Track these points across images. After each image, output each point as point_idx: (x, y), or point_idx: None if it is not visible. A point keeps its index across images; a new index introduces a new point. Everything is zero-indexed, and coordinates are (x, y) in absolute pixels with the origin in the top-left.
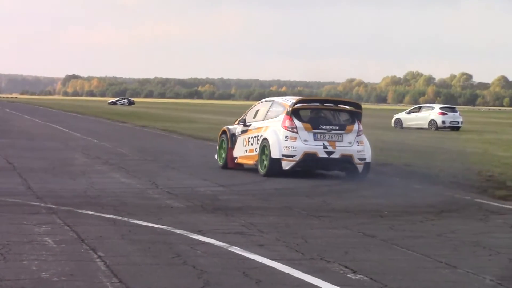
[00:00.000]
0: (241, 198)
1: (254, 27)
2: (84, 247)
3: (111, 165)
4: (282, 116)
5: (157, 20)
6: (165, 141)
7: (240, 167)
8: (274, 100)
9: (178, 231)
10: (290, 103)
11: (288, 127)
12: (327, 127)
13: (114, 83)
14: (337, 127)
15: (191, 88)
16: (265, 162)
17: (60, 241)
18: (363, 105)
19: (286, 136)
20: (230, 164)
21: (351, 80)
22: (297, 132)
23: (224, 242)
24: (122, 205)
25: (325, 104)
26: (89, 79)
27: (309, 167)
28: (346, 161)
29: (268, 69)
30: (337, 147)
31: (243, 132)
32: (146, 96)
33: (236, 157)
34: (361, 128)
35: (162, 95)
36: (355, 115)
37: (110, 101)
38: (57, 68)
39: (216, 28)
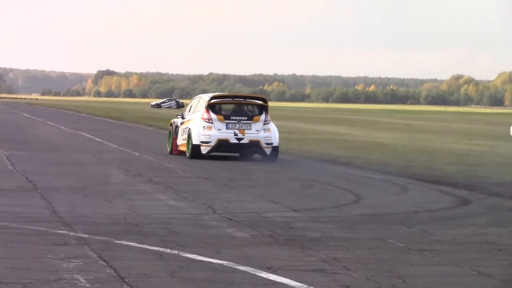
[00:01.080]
0: (321, 226)
1: (332, 11)
2: None
3: (156, 184)
4: (203, 110)
5: (210, 4)
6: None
7: (182, 153)
8: (201, 97)
9: (242, 268)
10: (207, 99)
11: (205, 119)
12: (237, 118)
13: (158, 80)
14: (246, 118)
15: (255, 87)
16: (189, 148)
17: (94, 279)
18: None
19: (203, 126)
20: (174, 151)
21: (458, 77)
22: (212, 123)
23: (301, 282)
24: (170, 234)
25: (235, 99)
26: (127, 75)
27: (223, 151)
28: (254, 146)
29: (351, 63)
30: (246, 134)
31: (181, 124)
32: None
33: (178, 145)
34: (268, 118)
35: None
36: (263, 107)
37: (153, 103)
38: (87, 63)
39: (284, 14)
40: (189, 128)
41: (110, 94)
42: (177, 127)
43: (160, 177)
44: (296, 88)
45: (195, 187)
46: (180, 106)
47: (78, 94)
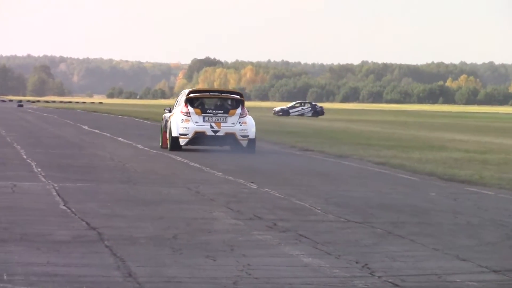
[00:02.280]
0: None
1: None
2: None
3: (283, 231)
4: (182, 104)
5: None
6: (382, 185)
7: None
8: (184, 92)
9: None
10: (186, 93)
11: (183, 112)
12: (214, 111)
13: (284, 74)
14: (222, 111)
15: (431, 83)
16: (169, 140)
17: None
18: None
19: (182, 119)
20: (164, 145)
21: None
22: (190, 116)
23: None
24: None
25: (211, 94)
26: (237, 66)
27: (200, 143)
28: (230, 138)
29: None
30: (222, 127)
31: (169, 118)
32: (346, 99)
33: (167, 139)
34: (245, 111)
35: (378, 96)
36: (239, 101)
37: (277, 108)
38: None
39: None
40: (170, 122)
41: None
42: (166, 121)
43: (289, 221)
44: (496, 83)
45: (342, 236)
46: (319, 112)
47: (163, 95)
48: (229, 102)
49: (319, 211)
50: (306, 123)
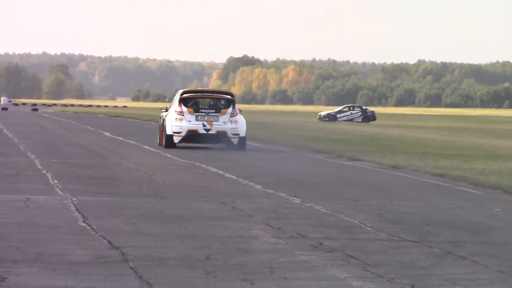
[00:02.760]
0: None
1: None
2: None
3: (330, 251)
4: (176, 103)
5: None
6: (440, 199)
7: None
8: (178, 92)
9: None
10: (180, 93)
11: (177, 111)
12: (206, 110)
13: (331, 74)
14: (214, 111)
15: (496, 85)
16: (164, 138)
17: None
18: None
19: (175, 118)
20: (161, 142)
21: None
22: (183, 115)
23: None
24: None
25: (204, 94)
26: (278, 65)
27: (193, 141)
28: (221, 136)
29: None
30: (213, 125)
31: (165, 117)
32: (400, 103)
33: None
34: (236, 111)
35: (437, 100)
36: (230, 101)
37: (323, 113)
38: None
39: None
40: (165, 120)
41: (250, 96)
42: (164, 120)
43: (337, 240)
44: None
45: (395, 257)
46: (370, 118)
47: None
48: (221, 102)
49: (370, 229)
50: (356, 130)
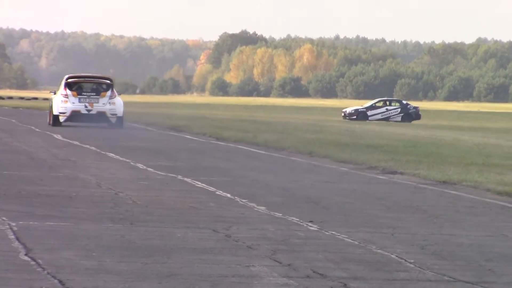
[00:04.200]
0: None
1: None
2: None
3: None
4: (62, 87)
5: None
6: (507, 226)
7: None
8: (64, 77)
9: None
10: (66, 78)
11: (63, 94)
12: (88, 93)
13: (361, 56)
14: (95, 94)
15: None
16: (51, 117)
17: None
18: None
19: (61, 100)
20: (49, 122)
21: None
22: (67, 97)
23: None
24: None
25: (86, 79)
26: (289, 44)
27: (77, 120)
28: (101, 116)
29: None
30: (94, 106)
31: (53, 99)
32: (453, 95)
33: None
34: (115, 93)
35: (503, 92)
36: (109, 86)
37: (349, 109)
38: (195, 19)
39: None
40: (52, 102)
41: (250, 86)
42: (51, 102)
43: (367, 281)
44: None
45: None
46: (412, 116)
47: (176, 88)
48: (102, 86)
49: (412, 265)
50: (393, 132)
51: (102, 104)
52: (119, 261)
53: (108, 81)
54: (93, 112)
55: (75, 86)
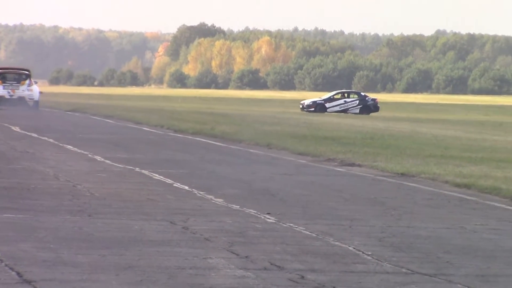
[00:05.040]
0: None
1: None
2: None
3: (315, 287)
4: None
5: None
6: (465, 218)
7: None
8: None
9: None
10: None
11: None
12: (10, 82)
13: (320, 48)
14: (16, 82)
15: None
16: None
17: None
18: None
19: None
20: None
21: None
22: None
23: None
24: None
25: (9, 70)
26: (247, 37)
27: (2, 104)
28: (21, 100)
29: None
30: (16, 92)
31: None
32: (412, 88)
33: None
34: (32, 82)
35: (461, 84)
36: (28, 75)
37: (306, 101)
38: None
39: None
40: None
41: (208, 78)
42: None
43: (325, 273)
44: None
45: None
46: (371, 108)
47: (134, 80)
48: (22, 76)
49: (369, 258)
50: (352, 124)
51: (22, 90)
52: (77, 253)
53: (27, 72)
54: (14, 97)
55: (1, 76)
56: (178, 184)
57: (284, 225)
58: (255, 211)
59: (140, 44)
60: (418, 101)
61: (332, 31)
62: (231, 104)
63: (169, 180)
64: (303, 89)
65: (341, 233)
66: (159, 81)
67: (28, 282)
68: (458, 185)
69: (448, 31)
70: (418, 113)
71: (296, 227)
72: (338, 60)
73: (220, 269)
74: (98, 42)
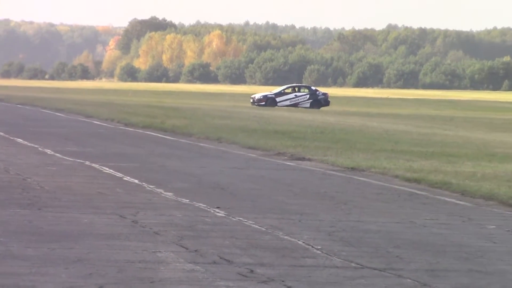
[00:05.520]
0: None
1: None
2: None
3: (264, 281)
4: None
5: None
6: (415, 213)
7: None
8: None
9: None
10: None
11: None
12: None
13: (271, 42)
14: None
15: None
16: None
17: None
18: None
19: None
20: None
21: None
22: None
23: None
24: None
25: None
26: (198, 30)
27: None
28: None
29: None
30: None
31: None
32: (362, 82)
33: None
34: None
35: (412, 78)
36: None
37: (258, 95)
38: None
39: None
40: None
41: (159, 72)
42: None
43: (274, 267)
44: None
45: None
46: (321, 102)
47: (85, 73)
48: None
49: (318, 252)
50: (302, 118)
51: None
52: (27, 247)
53: None
54: None
55: None
56: (128, 177)
57: (234, 219)
58: (205, 205)
59: (91, 38)
60: (369, 95)
61: (283, 25)
62: (181, 98)
63: (119, 173)
64: (254, 83)
65: (291, 227)
66: (110, 75)
67: None
68: (408, 180)
69: (399, 25)
70: (368, 108)
71: (246, 221)
72: (289, 54)
73: (169, 263)
74: (49, 36)
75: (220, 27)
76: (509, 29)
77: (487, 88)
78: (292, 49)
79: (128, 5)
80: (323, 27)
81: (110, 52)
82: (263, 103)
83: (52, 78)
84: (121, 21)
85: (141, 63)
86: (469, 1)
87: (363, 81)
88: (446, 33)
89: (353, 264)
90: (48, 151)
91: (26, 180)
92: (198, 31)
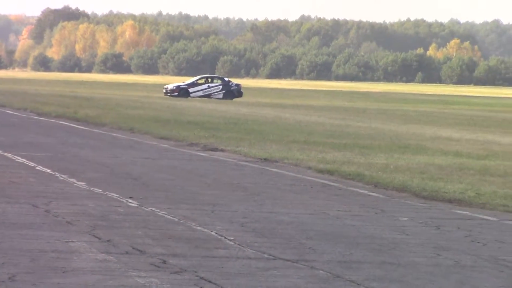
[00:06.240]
0: None
1: None
2: None
3: (176, 272)
4: None
5: None
6: (328, 204)
7: None
8: None
9: None
10: None
11: None
12: None
13: (183, 32)
14: None
15: (405, 52)
16: None
17: None
18: None
19: None
20: None
21: None
22: None
23: None
24: None
25: None
26: (110, 21)
27: None
28: None
29: None
30: None
31: None
32: (275, 73)
33: None
34: None
35: (325, 70)
36: None
37: (170, 86)
38: None
39: None
40: None
41: (72, 62)
42: None
43: (186, 257)
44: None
45: (265, 282)
46: (234, 93)
47: None
48: None
49: (231, 243)
50: (215, 109)
51: None
52: None
53: None
54: None
55: None
56: (41, 167)
57: (146, 210)
58: (118, 195)
59: (4, 27)
60: (282, 86)
61: (196, 15)
62: (94, 88)
63: (31, 163)
64: (167, 74)
65: (204, 218)
66: (23, 64)
67: None
68: (321, 171)
69: (312, 16)
70: (282, 99)
71: (159, 212)
72: (202, 45)
73: (82, 253)
74: None
75: (133, 17)
76: (422, 21)
77: (401, 80)
78: (205, 40)
79: None
80: (236, 18)
81: (23, 41)
82: (176, 93)
83: None
84: (35, 10)
85: (54, 53)
86: None
87: (276, 72)
88: (359, 25)
89: (265, 255)
90: None
91: None
92: (111, 21)
